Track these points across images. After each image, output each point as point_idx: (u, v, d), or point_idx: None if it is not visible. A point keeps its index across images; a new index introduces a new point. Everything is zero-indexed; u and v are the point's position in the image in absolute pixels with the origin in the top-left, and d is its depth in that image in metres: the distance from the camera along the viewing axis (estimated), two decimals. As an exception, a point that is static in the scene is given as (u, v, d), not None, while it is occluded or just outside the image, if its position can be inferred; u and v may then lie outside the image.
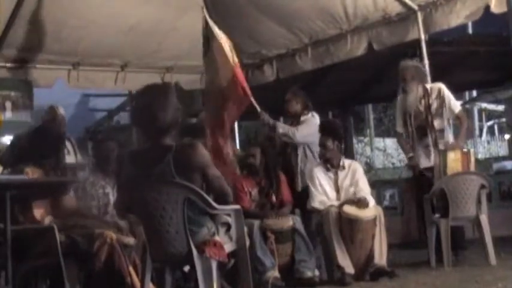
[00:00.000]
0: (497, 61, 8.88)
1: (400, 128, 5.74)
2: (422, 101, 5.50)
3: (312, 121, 5.74)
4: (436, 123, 5.45)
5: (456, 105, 5.56)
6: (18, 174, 3.77)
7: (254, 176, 5.33)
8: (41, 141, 4.10)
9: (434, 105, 5.47)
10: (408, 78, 5.47)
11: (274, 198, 5.25)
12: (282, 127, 5.74)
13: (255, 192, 5.28)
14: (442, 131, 5.46)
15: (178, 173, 3.16)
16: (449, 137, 5.54)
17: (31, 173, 3.82)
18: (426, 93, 5.49)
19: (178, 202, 3.14)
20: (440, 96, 5.48)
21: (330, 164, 5.29)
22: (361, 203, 4.97)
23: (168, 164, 3.16)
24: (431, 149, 5.42)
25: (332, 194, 5.20)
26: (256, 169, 5.32)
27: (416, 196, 5.69)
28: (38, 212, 3.84)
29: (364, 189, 5.18)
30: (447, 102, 5.47)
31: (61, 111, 6.05)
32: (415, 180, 5.73)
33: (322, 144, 5.27)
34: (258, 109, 5.41)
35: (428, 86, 5.56)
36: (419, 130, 5.50)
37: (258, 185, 5.30)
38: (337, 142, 5.26)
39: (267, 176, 5.33)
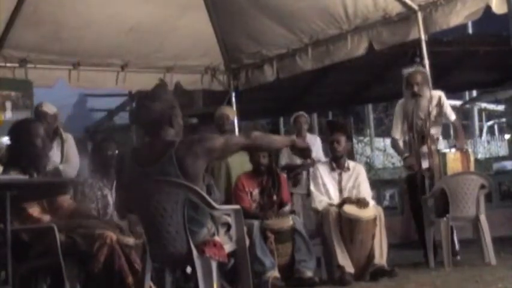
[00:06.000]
0: (497, 61, 8.90)
1: (397, 135, 5.63)
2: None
3: None
4: (433, 131, 5.42)
5: (452, 113, 5.56)
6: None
7: (258, 176, 5.32)
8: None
9: (434, 112, 5.44)
10: (420, 82, 5.38)
11: (275, 197, 5.25)
12: None
13: (256, 192, 5.27)
14: (437, 139, 5.46)
15: (182, 166, 3.14)
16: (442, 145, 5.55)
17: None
18: (429, 100, 5.45)
19: (179, 202, 3.13)
20: (440, 104, 5.46)
21: (336, 163, 5.29)
22: (361, 203, 4.97)
23: (170, 158, 3.15)
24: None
25: (335, 194, 5.20)
26: (266, 168, 5.31)
27: (410, 196, 5.66)
28: (34, 211, 3.82)
29: (365, 194, 5.16)
30: (445, 111, 5.46)
31: (47, 108, 5.62)
32: (409, 180, 5.66)
33: (337, 140, 5.24)
34: None
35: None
36: (421, 135, 5.41)
37: (260, 185, 5.30)
38: (349, 142, 5.28)
39: (270, 176, 5.33)
